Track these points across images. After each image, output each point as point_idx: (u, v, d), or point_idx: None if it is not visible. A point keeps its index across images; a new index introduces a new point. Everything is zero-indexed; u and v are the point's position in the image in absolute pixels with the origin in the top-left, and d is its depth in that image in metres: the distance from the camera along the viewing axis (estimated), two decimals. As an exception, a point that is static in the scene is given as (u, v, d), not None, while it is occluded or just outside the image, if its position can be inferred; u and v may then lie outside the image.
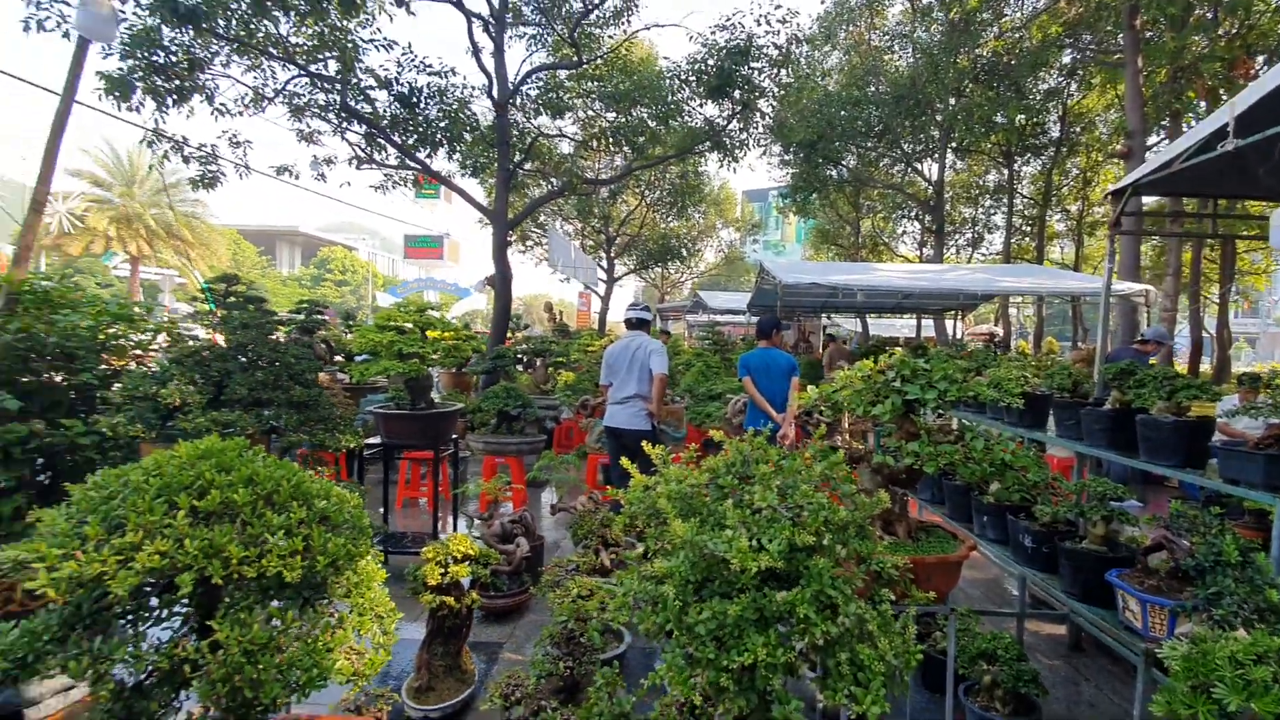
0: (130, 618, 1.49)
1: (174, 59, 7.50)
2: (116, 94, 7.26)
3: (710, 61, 9.43)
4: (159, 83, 7.44)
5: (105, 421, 2.64)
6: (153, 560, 1.30)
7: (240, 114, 8.70)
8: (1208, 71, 9.86)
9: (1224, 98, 9.16)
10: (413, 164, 9.95)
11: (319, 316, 6.93)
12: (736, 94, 9.97)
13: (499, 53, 9.50)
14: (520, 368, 9.73)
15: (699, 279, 31.35)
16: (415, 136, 9.32)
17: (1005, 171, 18.03)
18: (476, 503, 6.82)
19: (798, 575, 1.53)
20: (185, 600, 1.48)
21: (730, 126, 10.79)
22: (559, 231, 18.49)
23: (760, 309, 12.94)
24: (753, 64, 9.49)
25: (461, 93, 9.38)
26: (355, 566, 1.66)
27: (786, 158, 16.28)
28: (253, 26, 7.73)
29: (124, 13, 7.12)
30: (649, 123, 10.51)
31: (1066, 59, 14.57)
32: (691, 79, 9.92)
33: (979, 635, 2.73)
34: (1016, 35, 14.01)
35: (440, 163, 10.33)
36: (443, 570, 3.16)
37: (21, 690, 2.93)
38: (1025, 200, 19.83)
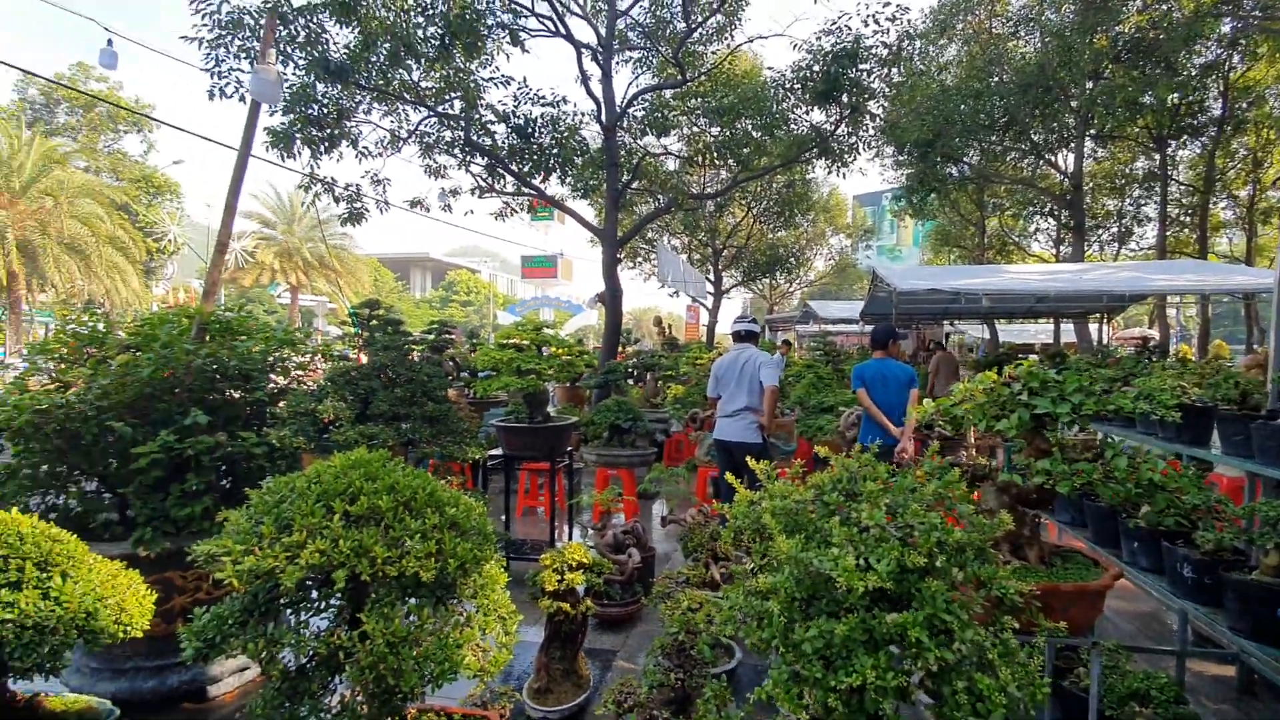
0: (295, 608, 1.72)
1: (325, 111, 8.47)
2: (280, 146, 8.32)
3: (815, 67, 9.26)
4: (313, 133, 8.44)
5: (274, 434, 3.03)
6: (314, 557, 1.50)
7: (379, 155, 9.64)
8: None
9: None
10: (529, 190, 10.53)
11: (447, 336, 7.49)
12: (844, 98, 9.71)
13: (606, 79, 9.87)
14: (631, 381, 9.96)
15: (808, 289, 30.52)
16: (530, 164, 9.86)
17: (1157, 157, 16.16)
18: (591, 513, 7.04)
19: (910, 597, 1.49)
20: (339, 594, 1.68)
21: (838, 131, 10.51)
22: (667, 246, 18.74)
23: (874, 317, 12.44)
24: (860, 66, 9.21)
25: (572, 120, 9.82)
26: (481, 570, 1.80)
27: (901, 158, 15.54)
28: (389, 75, 8.55)
29: (285, 74, 8.16)
30: (753, 134, 10.46)
31: (1226, 28, 12.88)
32: (796, 87, 9.78)
33: (1130, 673, 2.47)
34: (1164, 7, 12.59)
35: (553, 187, 10.87)
36: (559, 577, 3.30)
37: (206, 669, 3.39)
38: (1182, 187, 17.64)
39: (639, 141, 11.26)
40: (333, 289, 35.43)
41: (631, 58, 11.00)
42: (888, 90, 10.53)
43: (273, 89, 3.58)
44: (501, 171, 10.21)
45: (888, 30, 9.15)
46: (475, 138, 9.47)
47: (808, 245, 25.22)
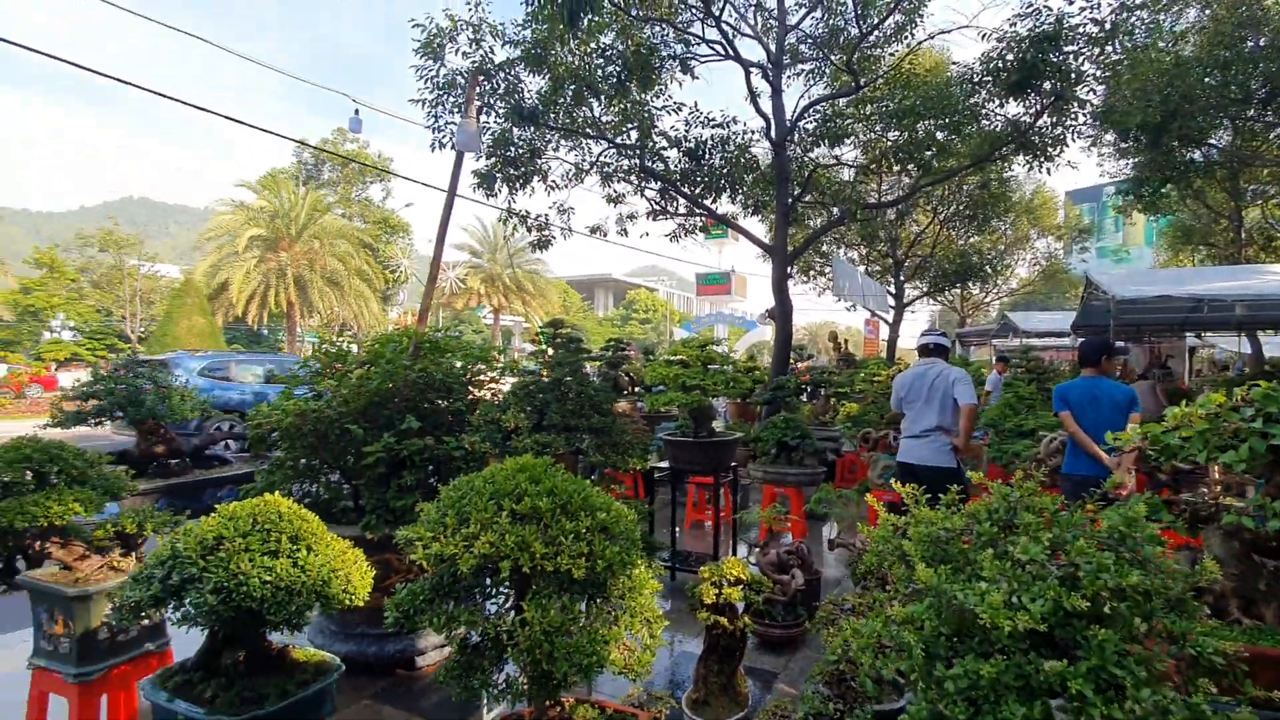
0: (471, 592, 1.99)
1: (520, 151, 9.47)
2: (484, 186, 9.47)
3: (1009, 56, 8.40)
4: (511, 172, 9.48)
5: (468, 439, 3.49)
6: (485, 547, 1.74)
7: (565, 187, 10.52)
8: None
9: None
10: (700, 210, 10.79)
11: (623, 353, 7.94)
12: (1045, 85, 8.69)
13: (776, 94, 9.84)
14: (804, 399, 9.73)
15: (1009, 299, 27.39)
16: (701, 185, 10.12)
17: None
18: (758, 530, 7.00)
19: (1075, 644, 1.35)
20: (506, 583, 1.92)
21: (1039, 123, 9.42)
22: (843, 259, 18.00)
23: (1088, 330, 10.87)
24: (1065, 48, 8.19)
25: (741, 139, 9.93)
26: (629, 574, 1.94)
27: (1124, 146, 13.43)
28: (574, 114, 9.33)
29: (487, 123, 9.28)
30: (937, 135, 9.76)
31: None
32: (986, 79, 8.96)
33: None
34: None
35: (724, 205, 11.02)
36: (717, 591, 3.36)
37: (416, 642, 3.94)
38: None
39: (810, 154, 11.02)
40: (527, 310, 39.02)
41: (802, 70, 10.85)
42: (1099, 72, 9.23)
43: (474, 141, 4.14)
44: (674, 194, 10.59)
45: (1098, 4, 8.05)
46: (649, 164, 9.94)
47: (1007, 250, 22.68)
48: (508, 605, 1.88)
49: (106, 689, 2.79)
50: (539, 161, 10.00)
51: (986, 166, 11.81)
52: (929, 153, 9.93)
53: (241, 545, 2.23)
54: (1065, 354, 17.33)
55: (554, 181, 10.45)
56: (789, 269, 10.73)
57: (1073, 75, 8.56)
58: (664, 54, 9.17)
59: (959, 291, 23.49)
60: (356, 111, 10.26)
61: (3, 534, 2.70)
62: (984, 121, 9.80)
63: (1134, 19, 8.60)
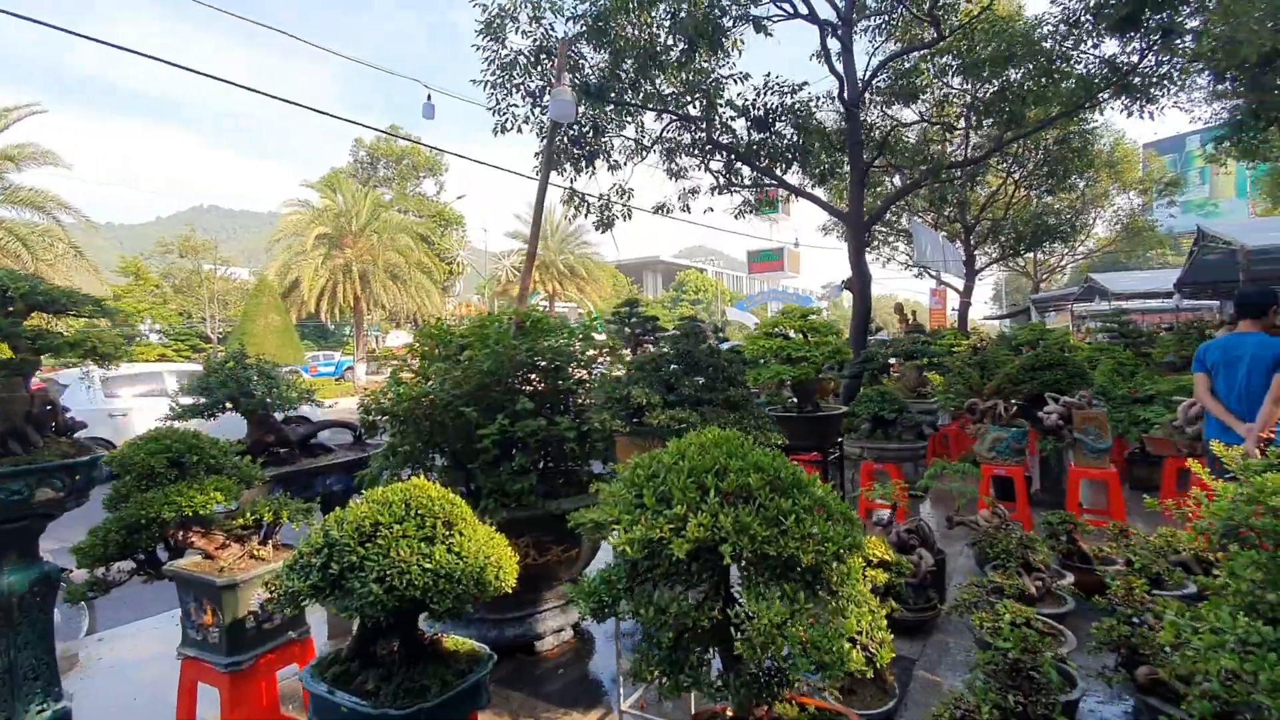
0: (670, 580, 1.78)
1: (584, 129, 9.23)
2: (551, 166, 9.29)
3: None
4: (576, 152, 9.25)
5: (595, 417, 3.31)
6: (699, 531, 1.53)
7: (627, 165, 10.24)
8: None
9: None
10: (768, 180, 10.38)
11: (698, 333, 7.70)
12: (1153, 20, 7.96)
13: (846, 53, 9.34)
14: (883, 373, 9.30)
15: (1085, 260, 25.86)
16: (768, 157, 9.70)
17: None
18: (856, 508, 6.69)
19: None
20: (710, 571, 1.71)
21: (1143, 63, 8.66)
22: (920, 223, 17.22)
23: (1197, 286, 10.06)
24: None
25: (810, 104, 9.45)
26: (848, 559, 1.70)
27: (1220, 88, 12.33)
28: (637, 88, 9.04)
29: (547, 103, 9.07)
30: (1025, 84, 9.09)
31: None
32: (1086, 19, 8.27)
33: None
34: None
35: (791, 177, 10.57)
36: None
37: (534, 627, 3.83)
38: None
39: (884, 114, 10.45)
40: (581, 295, 39.06)
41: (869, 26, 10.26)
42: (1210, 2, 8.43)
43: (569, 109, 3.94)
44: (740, 166, 10.20)
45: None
46: (716, 136, 9.58)
47: (1084, 209, 21.32)
48: (714, 596, 1.68)
49: (254, 678, 2.74)
50: (602, 140, 9.75)
51: (1073, 119, 11.00)
52: (1009, 104, 9.28)
53: (399, 532, 2.08)
54: (1164, 316, 16.13)
55: (616, 160, 10.20)
56: (865, 237, 10.25)
57: (1184, 6, 7.81)
58: (735, 14, 8.74)
59: (1032, 256, 22.28)
60: (429, 97, 10.19)
61: (149, 524, 2.65)
62: (1078, 65, 9.09)
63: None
